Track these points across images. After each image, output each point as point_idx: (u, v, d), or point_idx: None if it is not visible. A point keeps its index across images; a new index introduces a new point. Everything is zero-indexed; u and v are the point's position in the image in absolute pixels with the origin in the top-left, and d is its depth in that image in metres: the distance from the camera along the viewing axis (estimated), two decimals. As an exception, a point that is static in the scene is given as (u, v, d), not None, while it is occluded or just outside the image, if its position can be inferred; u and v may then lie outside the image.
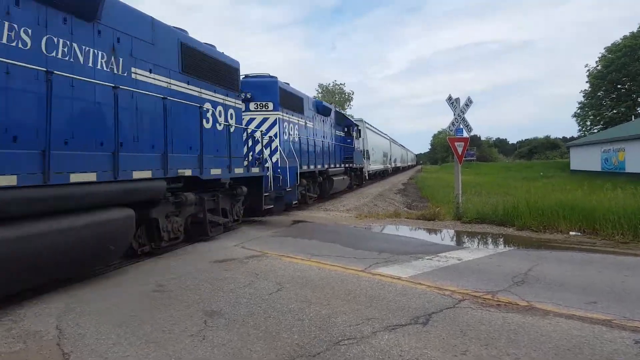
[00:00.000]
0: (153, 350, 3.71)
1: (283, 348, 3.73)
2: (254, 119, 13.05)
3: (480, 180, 29.56)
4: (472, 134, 13.33)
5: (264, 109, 13.22)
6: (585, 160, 37.82)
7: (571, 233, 9.38)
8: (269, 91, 13.39)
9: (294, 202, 13.63)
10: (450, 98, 12.71)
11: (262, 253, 7.64)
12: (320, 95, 56.33)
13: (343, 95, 59.90)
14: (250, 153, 11.04)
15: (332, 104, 22.91)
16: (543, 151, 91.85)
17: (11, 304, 4.81)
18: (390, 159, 44.62)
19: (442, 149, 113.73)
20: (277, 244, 8.53)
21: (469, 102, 12.80)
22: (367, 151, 27.90)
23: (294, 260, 7.08)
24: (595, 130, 54.17)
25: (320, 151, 17.36)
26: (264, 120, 13.22)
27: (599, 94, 55.94)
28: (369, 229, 11.01)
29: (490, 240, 9.35)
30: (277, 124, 13.28)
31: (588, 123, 58.81)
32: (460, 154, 12.39)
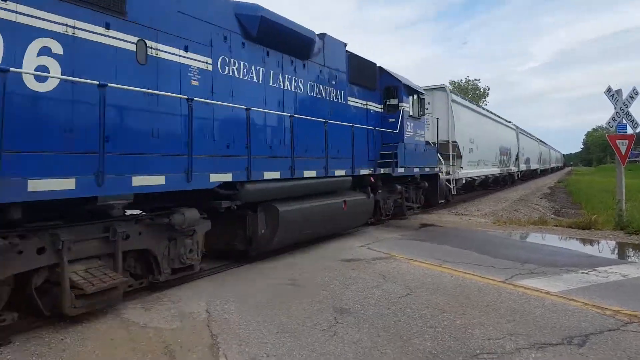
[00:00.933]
0: (288, 340, 3.89)
1: (415, 354, 3.57)
2: None
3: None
4: (638, 130, 11.28)
5: None
6: None
7: None
8: None
9: None
10: (609, 90, 10.97)
11: (389, 255, 7.52)
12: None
13: (477, 92, 56.09)
14: None
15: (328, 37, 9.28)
16: None
17: (171, 287, 5.53)
18: (515, 158, 29.23)
19: (597, 149, 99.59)
20: (404, 247, 8.30)
21: (634, 94, 10.89)
22: (456, 144, 15.98)
23: (424, 265, 6.81)
24: None
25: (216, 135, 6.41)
26: None
27: None
28: (508, 236, 10.05)
29: (667, 255, 7.74)
30: None
31: None
32: (623, 153, 10.63)
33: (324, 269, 6.55)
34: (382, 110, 11.52)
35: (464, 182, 17.23)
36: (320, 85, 8.92)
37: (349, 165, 9.17)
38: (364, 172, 9.80)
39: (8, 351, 3.66)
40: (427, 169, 12.79)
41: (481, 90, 56.86)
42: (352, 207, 9.13)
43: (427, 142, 13.36)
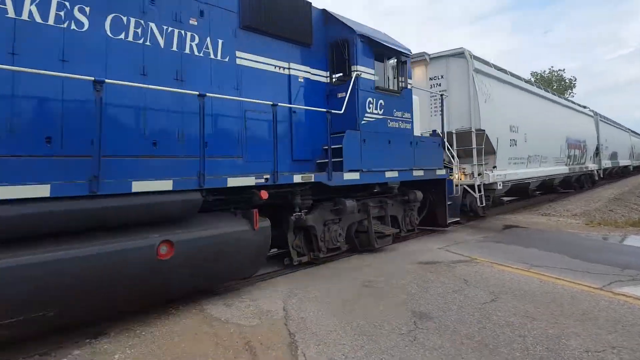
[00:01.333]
0: (366, 343, 3.82)
1: (503, 364, 3.34)
2: None
3: None
4: None
5: None
6: None
7: None
8: None
9: None
10: None
11: (470, 258, 7.15)
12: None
13: (562, 83, 51.78)
14: None
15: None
16: None
17: (248, 285, 5.71)
18: (594, 153, 23.02)
19: None
20: (486, 250, 7.85)
21: None
22: (483, 133, 11.04)
23: (509, 269, 6.37)
24: None
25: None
26: None
27: None
28: (604, 239, 9.12)
29: None
30: None
31: None
32: None
33: (401, 271, 6.38)
34: (328, 79, 7.39)
35: (501, 187, 11.70)
36: (151, 24, 4.95)
37: (194, 171, 4.81)
38: (240, 181, 5.25)
39: (105, 341, 4.00)
40: (419, 173, 8.36)
41: (567, 81, 52.54)
42: (197, 252, 4.67)
43: (434, 132, 9.64)
